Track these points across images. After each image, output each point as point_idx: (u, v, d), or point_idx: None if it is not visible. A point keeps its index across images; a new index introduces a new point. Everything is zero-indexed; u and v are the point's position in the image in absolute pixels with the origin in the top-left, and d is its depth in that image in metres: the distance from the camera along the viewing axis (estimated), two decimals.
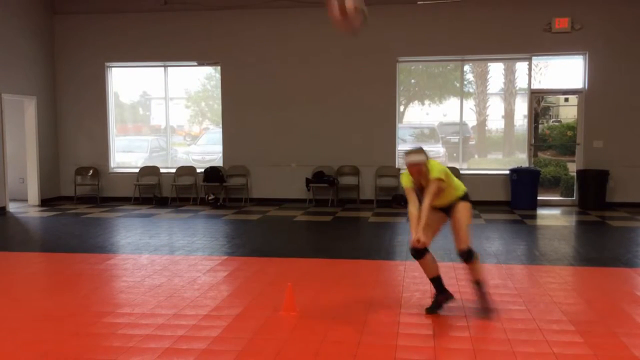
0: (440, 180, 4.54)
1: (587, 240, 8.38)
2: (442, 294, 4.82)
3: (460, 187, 4.85)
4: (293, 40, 12.10)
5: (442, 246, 7.58)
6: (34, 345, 4.16)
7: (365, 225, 9.65)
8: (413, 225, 4.51)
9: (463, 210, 4.80)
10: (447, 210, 4.80)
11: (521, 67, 11.97)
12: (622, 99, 11.30)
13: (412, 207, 4.57)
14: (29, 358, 3.94)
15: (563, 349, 4.00)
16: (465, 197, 4.86)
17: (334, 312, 4.81)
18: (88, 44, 12.67)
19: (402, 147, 12.44)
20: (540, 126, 15.77)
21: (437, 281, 4.81)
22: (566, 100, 16.47)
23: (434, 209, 4.67)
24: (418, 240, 4.44)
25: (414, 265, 6.50)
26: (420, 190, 4.66)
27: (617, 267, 6.42)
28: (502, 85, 12.51)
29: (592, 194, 11.20)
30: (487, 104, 12.57)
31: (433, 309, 4.76)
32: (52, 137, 12.72)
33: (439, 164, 4.65)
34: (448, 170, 4.68)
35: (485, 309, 4.69)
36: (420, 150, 4.57)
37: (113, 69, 12.95)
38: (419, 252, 4.66)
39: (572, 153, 12.44)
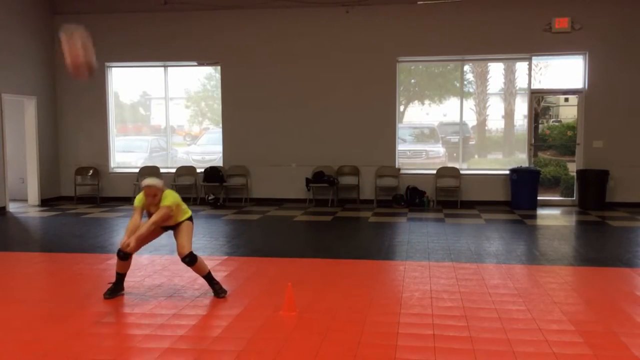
0: (169, 208, 5.16)
1: (587, 240, 8.38)
2: (119, 285, 5.39)
3: (186, 212, 5.40)
4: (293, 40, 12.10)
5: (442, 247, 7.59)
6: (34, 345, 4.16)
7: (365, 225, 9.65)
8: (128, 231, 5.13)
9: (186, 226, 5.35)
10: (171, 228, 5.40)
11: (521, 67, 11.97)
12: (622, 99, 11.30)
13: (133, 220, 5.23)
14: (29, 358, 3.94)
15: (563, 349, 4.00)
16: (189, 219, 5.42)
17: (334, 312, 4.81)
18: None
19: (402, 147, 12.46)
20: (540, 126, 15.76)
21: (122, 277, 5.38)
22: (566, 100, 16.45)
23: (159, 229, 5.37)
24: (128, 245, 5.06)
25: (414, 265, 6.51)
26: (148, 213, 5.32)
27: (617, 267, 6.42)
28: (502, 85, 12.51)
29: (592, 194, 11.20)
30: (487, 104, 12.57)
31: (110, 294, 5.30)
32: (52, 137, 12.72)
33: (172, 194, 5.27)
34: (179, 200, 5.30)
35: (220, 290, 5.28)
36: (157, 179, 5.31)
37: (113, 69, 12.95)
38: (126, 255, 5.26)
39: (572, 153, 12.44)
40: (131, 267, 6.50)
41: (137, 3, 12.43)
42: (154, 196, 5.17)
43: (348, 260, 6.86)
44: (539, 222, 9.85)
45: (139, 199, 5.28)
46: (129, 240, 5.06)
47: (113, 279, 5.43)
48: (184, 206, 5.39)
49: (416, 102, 12.85)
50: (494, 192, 11.75)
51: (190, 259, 5.21)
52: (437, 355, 3.92)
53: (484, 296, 5.26)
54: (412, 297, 5.23)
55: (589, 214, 10.66)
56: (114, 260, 6.89)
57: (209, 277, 5.33)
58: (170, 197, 5.19)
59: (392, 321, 4.60)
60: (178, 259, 6.87)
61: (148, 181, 5.22)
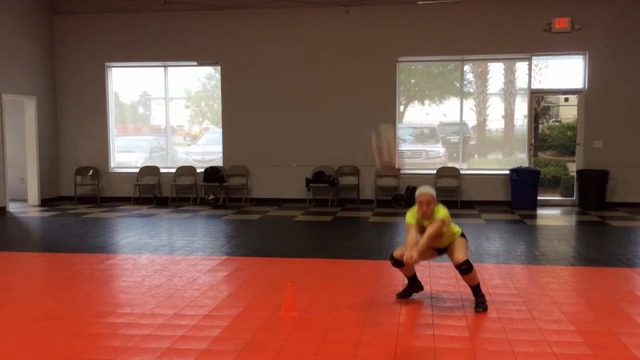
0: (443, 221, 4.80)
1: (587, 240, 8.38)
2: (414, 285, 5.24)
3: (457, 229, 5.07)
4: (293, 40, 12.11)
5: None
6: (34, 345, 4.16)
7: (365, 225, 9.65)
8: (408, 246, 4.72)
9: (460, 241, 5.01)
10: (442, 251, 5.08)
11: (521, 67, 11.97)
12: (622, 99, 11.30)
13: (410, 237, 4.82)
14: (29, 358, 3.94)
15: (563, 349, 4.00)
16: (462, 236, 5.06)
17: (334, 312, 4.81)
18: (88, 44, 12.67)
19: (402, 147, 12.46)
20: (540, 126, 15.77)
21: (412, 277, 5.20)
22: (566, 100, 16.46)
23: (431, 248, 5.02)
24: (412, 257, 4.63)
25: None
26: (421, 230, 4.90)
27: (617, 267, 6.42)
28: (502, 85, 12.50)
29: (592, 194, 11.20)
30: (487, 104, 12.57)
31: (403, 295, 5.19)
32: (52, 137, 12.72)
33: (443, 208, 4.89)
34: (449, 217, 4.92)
35: (481, 303, 4.90)
36: (431, 189, 4.89)
37: (113, 69, 12.95)
38: (398, 263, 5.00)
39: (572, 153, 12.44)
40: (131, 267, 6.53)
41: (137, 3, 12.43)
42: (427, 204, 4.78)
43: (348, 260, 6.86)
44: (539, 222, 9.85)
45: (412, 213, 4.90)
46: (411, 252, 4.62)
47: (113, 279, 5.43)
48: (454, 226, 5.03)
49: (416, 102, 12.84)
50: (494, 192, 11.75)
51: (467, 267, 4.81)
52: (437, 355, 3.92)
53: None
54: (412, 297, 5.23)
55: (589, 214, 10.66)
56: (114, 260, 6.92)
57: (476, 289, 4.95)
58: (443, 211, 4.84)
59: (392, 321, 4.60)
60: (178, 259, 6.90)
61: (423, 189, 4.86)
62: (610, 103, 11.34)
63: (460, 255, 4.85)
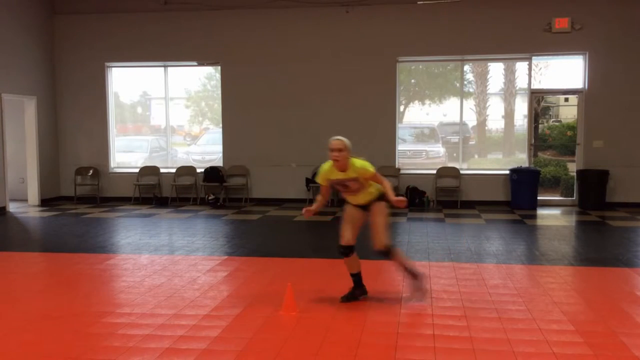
0: (373, 173, 4.91)
1: (587, 240, 8.37)
2: (358, 288, 5.16)
3: (377, 187, 5.06)
4: (293, 40, 12.11)
5: (442, 247, 7.59)
6: (34, 345, 4.16)
7: (365, 225, 9.63)
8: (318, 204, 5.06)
9: (380, 210, 5.00)
10: (365, 209, 5.06)
11: (521, 67, 11.97)
12: (622, 99, 11.30)
13: (321, 199, 5.13)
14: (29, 358, 3.94)
15: (563, 349, 4.00)
16: (381, 198, 5.03)
17: (334, 312, 4.81)
18: (88, 44, 12.67)
19: (402, 147, 12.45)
20: (540, 126, 15.77)
21: (357, 276, 5.15)
22: (566, 100, 16.46)
23: (356, 207, 5.07)
24: (308, 210, 4.94)
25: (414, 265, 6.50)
26: (341, 185, 5.01)
27: (617, 267, 6.42)
28: (502, 85, 12.50)
29: (592, 194, 11.20)
30: (487, 104, 12.57)
31: (347, 299, 5.09)
32: (52, 137, 12.72)
33: (362, 160, 4.99)
34: (368, 163, 5.01)
35: (419, 289, 5.07)
36: (344, 138, 5.01)
37: (113, 69, 12.95)
38: (349, 250, 5.03)
39: (572, 153, 12.44)
40: (131, 267, 6.53)
41: (137, 3, 12.43)
42: (339, 150, 4.89)
43: None
44: (539, 222, 9.85)
45: (324, 171, 5.11)
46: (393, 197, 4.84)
47: (113, 279, 5.43)
48: (372, 184, 5.01)
49: (416, 102, 12.84)
50: (494, 192, 11.75)
51: (387, 254, 4.94)
52: (437, 355, 3.92)
53: (484, 296, 5.26)
54: (412, 296, 5.23)
55: (589, 214, 10.66)
56: (114, 260, 6.92)
57: (408, 270, 5.07)
58: (362, 162, 4.96)
59: (392, 321, 4.60)
60: (178, 259, 6.91)
61: (335, 137, 5.07)
62: (610, 103, 11.34)
63: (381, 238, 4.91)
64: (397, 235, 8.56)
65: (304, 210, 5.08)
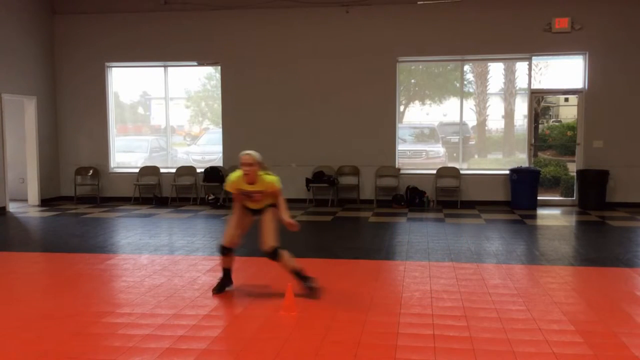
0: (280, 190, 5.15)
1: (587, 240, 8.37)
2: (227, 279, 5.46)
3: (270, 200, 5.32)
4: (293, 40, 12.11)
5: (442, 247, 7.59)
6: (34, 345, 4.16)
7: (365, 225, 9.65)
8: (232, 224, 5.22)
9: (270, 216, 5.26)
10: (256, 213, 5.34)
11: (521, 67, 11.97)
12: (622, 99, 11.30)
13: (233, 227, 5.25)
14: (29, 358, 3.94)
15: (563, 349, 4.00)
16: (272, 205, 5.29)
17: (334, 312, 4.81)
18: (88, 44, 12.68)
19: (402, 147, 12.45)
20: (540, 126, 15.77)
21: (228, 271, 5.44)
22: (566, 100, 16.47)
23: (247, 211, 5.31)
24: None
25: (414, 265, 6.51)
26: (246, 195, 5.18)
27: (617, 267, 6.42)
28: (502, 85, 12.50)
29: (592, 194, 11.20)
30: (487, 104, 12.57)
31: (218, 290, 5.37)
32: (52, 137, 12.72)
33: (272, 175, 5.20)
34: (276, 178, 5.23)
35: (311, 289, 5.19)
36: (255, 153, 5.14)
37: (113, 69, 12.95)
38: (229, 251, 5.29)
39: (572, 153, 12.44)
40: (131, 267, 6.53)
41: (137, 3, 12.43)
42: (249, 165, 5.03)
43: (348, 260, 6.86)
44: (539, 222, 9.85)
45: (233, 180, 5.19)
46: (289, 219, 5.07)
47: (113, 279, 5.44)
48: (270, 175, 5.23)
49: (416, 102, 12.85)
50: (494, 192, 11.75)
51: (273, 256, 5.13)
52: (437, 355, 3.92)
53: (484, 296, 5.26)
54: (412, 297, 5.23)
55: (589, 214, 10.66)
56: (114, 260, 6.92)
57: (298, 275, 5.24)
58: (272, 177, 5.14)
59: (392, 321, 4.60)
60: (178, 259, 6.91)
61: (246, 151, 5.13)
62: (610, 103, 11.34)
63: (268, 240, 5.12)
64: (397, 235, 8.57)
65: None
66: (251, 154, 5.07)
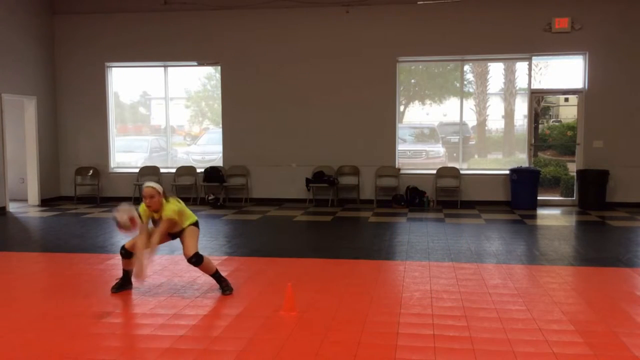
0: (170, 221, 5.20)
1: (587, 240, 8.37)
2: (127, 281, 5.51)
3: (191, 217, 5.46)
4: (293, 40, 12.11)
5: (442, 247, 7.59)
6: (34, 345, 4.16)
7: (365, 225, 9.65)
8: (143, 257, 5.14)
9: (190, 230, 5.40)
10: (176, 235, 5.46)
11: (521, 67, 11.97)
12: (622, 99, 11.30)
13: (140, 239, 5.22)
14: (29, 358, 3.94)
15: (563, 349, 4.00)
16: (195, 224, 5.47)
17: (334, 312, 4.81)
18: (88, 44, 12.68)
19: (402, 147, 12.46)
20: (540, 126, 15.77)
21: (128, 273, 5.46)
22: (566, 100, 16.47)
23: (167, 235, 5.38)
24: (143, 275, 5.18)
25: (414, 265, 6.51)
26: (155, 223, 5.33)
27: (617, 267, 6.42)
28: (502, 85, 12.50)
29: (592, 194, 11.20)
30: (487, 104, 12.57)
31: (117, 288, 5.46)
32: (52, 137, 12.72)
33: (174, 203, 5.28)
34: (182, 207, 5.35)
35: (226, 287, 5.40)
36: (155, 183, 5.31)
37: (113, 69, 12.95)
38: (129, 254, 5.31)
39: (572, 153, 12.45)
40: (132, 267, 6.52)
41: (137, 3, 12.43)
42: (151, 197, 5.18)
43: (348, 260, 6.86)
44: (539, 222, 9.85)
45: (143, 208, 5.32)
46: (145, 273, 5.22)
47: (113, 279, 5.44)
48: (188, 212, 5.45)
49: (416, 102, 12.85)
50: (494, 192, 11.75)
51: (196, 260, 5.26)
52: (437, 355, 3.92)
53: (484, 296, 5.26)
54: (412, 297, 5.23)
55: (589, 214, 10.66)
56: (114, 260, 6.91)
57: (217, 276, 5.44)
58: (171, 207, 5.23)
59: (392, 321, 4.60)
60: (178, 259, 6.90)
61: (147, 183, 5.31)
62: (610, 103, 11.34)
63: (190, 248, 5.26)
64: (397, 235, 8.57)
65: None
66: (152, 185, 5.22)
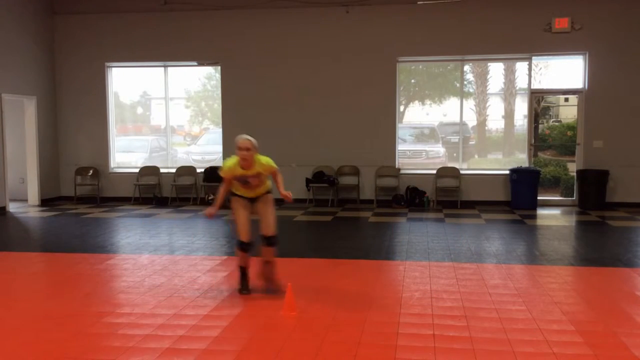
0: (275, 169, 5.22)
1: (587, 240, 8.37)
2: (246, 279, 5.41)
3: (268, 185, 5.39)
4: (293, 40, 12.11)
5: (442, 247, 7.59)
6: (34, 345, 4.16)
7: (365, 225, 9.65)
8: (219, 199, 5.19)
9: (271, 201, 5.34)
10: (253, 200, 5.31)
11: (521, 67, 11.97)
12: (622, 99, 11.30)
13: (223, 190, 5.25)
14: (29, 358, 3.94)
15: (563, 349, 4.00)
16: (270, 191, 5.39)
17: (334, 312, 4.81)
18: (88, 44, 12.67)
19: (402, 147, 12.46)
20: (540, 126, 15.78)
21: (244, 270, 5.40)
22: (566, 100, 16.48)
23: (245, 200, 5.28)
24: (210, 213, 5.21)
25: (414, 265, 6.51)
26: (242, 180, 5.16)
27: (617, 267, 6.42)
28: (502, 85, 12.50)
29: (592, 194, 11.20)
30: (487, 104, 12.57)
31: (248, 290, 5.36)
32: (52, 137, 12.72)
33: (265, 157, 5.22)
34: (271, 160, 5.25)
35: (274, 286, 5.30)
36: (251, 137, 5.16)
37: (113, 69, 12.95)
38: (250, 246, 5.27)
39: (572, 153, 12.45)
40: (131, 267, 6.53)
41: (137, 3, 12.43)
42: (247, 149, 5.02)
43: (348, 260, 6.86)
44: (539, 222, 9.85)
45: (229, 166, 5.16)
46: (285, 192, 5.21)
47: (113, 279, 5.44)
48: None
49: (416, 102, 12.85)
50: (494, 192, 11.75)
51: (275, 241, 5.23)
52: (437, 355, 3.92)
53: (484, 296, 5.26)
54: (412, 297, 5.23)
55: (589, 214, 10.66)
56: (114, 260, 6.92)
57: (270, 272, 5.36)
58: (266, 158, 5.18)
59: (392, 321, 4.60)
60: (178, 259, 6.90)
61: (242, 136, 5.14)
62: (610, 103, 11.34)
63: (271, 225, 5.24)
64: (397, 235, 8.57)
65: (205, 212, 5.32)
66: (249, 138, 5.09)
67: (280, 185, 5.26)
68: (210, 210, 5.27)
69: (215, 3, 12.09)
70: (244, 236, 5.25)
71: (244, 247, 5.27)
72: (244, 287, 5.38)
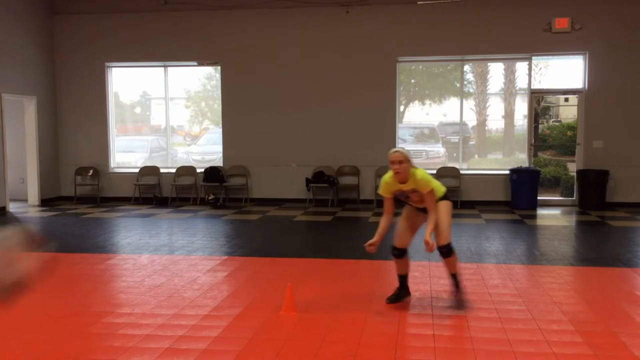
0: (432, 191, 4.77)
1: (587, 240, 8.37)
2: (403, 290, 5.12)
3: (440, 189, 4.95)
4: (293, 40, 12.11)
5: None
6: (34, 345, 4.16)
7: (365, 225, 9.65)
8: (381, 230, 4.83)
9: (443, 208, 4.89)
10: (425, 210, 4.92)
11: (521, 67, 11.97)
12: (622, 99, 11.30)
13: (386, 219, 4.88)
14: (29, 358, 3.94)
15: (563, 349, 4.00)
16: (444, 197, 4.95)
17: (334, 312, 4.81)
18: (88, 44, 12.67)
19: (402, 147, 12.44)
20: (540, 126, 15.78)
21: (404, 278, 5.13)
22: (566, 100, 16.49)
23: (416, 210, 4.97)
24: (371, 245, 4.75)
25: (414, 265, 6.49)
26: (403, 197, 4.89)
27: (617, 267, 6.42)
28: (502, 85, 12.50)
29: (592, 194, 11.19)
30: (487, 104, 12.57)
31: (393, 300, 5.03)
32: (52, 137, 12.72)
33: (421, 170, 4.80)
34: (429, 176, 4.83)
35: (460, 300, 4.98)
36: (402, 149, 4.83)
37: (113, 69, 12.95)
38: (402, 252, 5.01)
39: (572, 153, 12.45)
40: (131, 267, 6.53)
41: (137, 3, 12.43)
42: (400, 162, 4.64)
43: (348, 260, 6.85)
44: (539, 222, 9.85)
45: (386, 182, 4.85)
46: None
47: (113, 279, 5.44)
48: (435, 181, 4.91)
49: (416, 102, 12.85)
50: (494, 192, 11.75)
51: (448, 250, 4.84)
52: (437, 355, 3.92)
53: (484, 296, 5.26)
54: (412, 297, 5.23)
55: (589, 214, 10.65)
56: (114, 260, 6.92)
57: (455, 278, 5.01)
58: (422, 174, 4.73)
59: (392, 321, 4.60)
60: (178, 259, 6.90)
61: (393, 149, 4.78)
62: (610, 103, 11.34)
63: (444, 234, 4.79)
64: None
65: (366, 245, 4.78)
66: (400, 150, 4.74)
67: (430, 224, 4.70)
68: (371, 243, 4.78)
69: (215, 3, 12.09)
70: (396, 241, 4.98)
71: (394, 252, 5.02)
72: (393, 296, 5.03)
